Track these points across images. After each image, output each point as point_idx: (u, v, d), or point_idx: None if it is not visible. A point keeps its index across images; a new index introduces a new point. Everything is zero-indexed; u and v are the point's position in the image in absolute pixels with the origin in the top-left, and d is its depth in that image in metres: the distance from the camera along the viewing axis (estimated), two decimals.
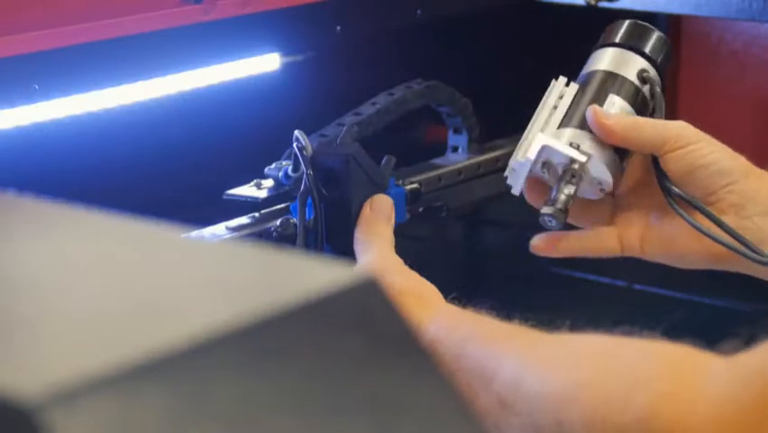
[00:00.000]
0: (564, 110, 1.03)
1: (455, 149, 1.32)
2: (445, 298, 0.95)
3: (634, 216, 1.02)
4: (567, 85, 1.06)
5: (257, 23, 1.21)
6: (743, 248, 0.95)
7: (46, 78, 1.04)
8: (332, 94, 1.10)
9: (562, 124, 1.03)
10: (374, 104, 1.21)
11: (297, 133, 1.05)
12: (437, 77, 1.28)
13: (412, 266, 1.00)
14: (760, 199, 0.96)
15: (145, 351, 0.41)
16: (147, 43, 1.11)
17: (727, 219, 0.96)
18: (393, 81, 1.26)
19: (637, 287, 1.62)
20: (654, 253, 1.02)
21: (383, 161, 1.08)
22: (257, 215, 1.16)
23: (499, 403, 0.76)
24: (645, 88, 1.06)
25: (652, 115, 1.04)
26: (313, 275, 0.48)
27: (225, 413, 0.41)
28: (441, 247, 1.68)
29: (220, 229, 1.15)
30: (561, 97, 1.05)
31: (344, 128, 1.08)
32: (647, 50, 1.08)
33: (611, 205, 1.04)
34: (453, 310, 0.90)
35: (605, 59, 1.08)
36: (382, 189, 1.06)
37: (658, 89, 1.06)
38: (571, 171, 0.99)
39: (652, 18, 1.71)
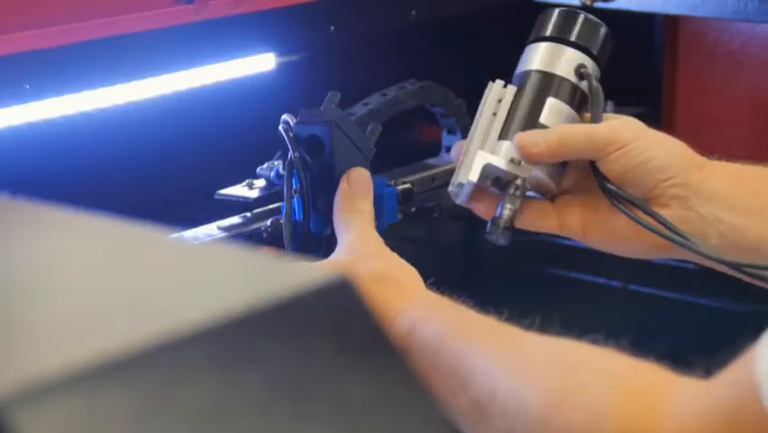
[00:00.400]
0: (503, 118, 1.02)
1: (449, 149, 1.32)
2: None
3: (575, 201, 1.02)
4: (505, 86, 1.03)
5: (249, 23, 1.21)
6: (679, 238, 0.95)
7: (37, 77, 1.04)
8: (326, 94, 1.10)
9: (502, 135, 1.01)
10: (366, 104, 1.22)
11: (285, 116, 1.04)
12: (432, 77, 1.28)
13: None
14: (704, 190, 0.97)
15: (113, 350, 0.41)
16: (138, 43, 1.11)
17: (671, 211, 0.96)
18: (388, 82, 1.26)
19: (633, 287, 1.62)
20: (595, 241, 1.02)
21: (368, 129, 1.07)
22: (249, 214, 1.16)
23: (476, 408, 0.77)
24: (583, 84, 1.03)
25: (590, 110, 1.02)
26: (285, 276, 0.48)
27: (192, 412, 0.41)
28: (434, 248, 1.68)
29: (212, 229, 1.15)
30: (500, 101, 1.03)
31: (327, 96, 1.07)
32: (582, 41, 1.04)
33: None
34: (431, 299, 0.89)
35: (539, 57, 1.04)
36: (367, 156, 1.05)
37: (595, 83, 1.02)
38: (514, 186, 0.99)
39: (649, 19, 1.71)
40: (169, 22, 1.11)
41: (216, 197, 1.17)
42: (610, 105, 1.69)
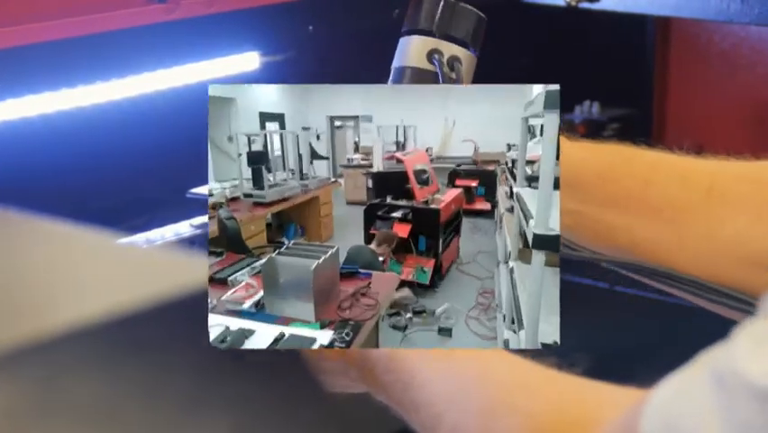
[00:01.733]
0: None
1: None
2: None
3: None
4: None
5: (223, 23, 1.21)
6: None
7: (6, 76, 1.05)
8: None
9: None
10: None
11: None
12: None
13: None
14: None
15: None
16: (111, 42, 1.11)
17: None
18: (373, 82, 1.26)
19: (618, 289, 1.62)
20: None
21: None
22: None
23: (427, 430, 0.77)
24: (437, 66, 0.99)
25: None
26: (183, 275, 0.48)
27: (75, 408, 0.41)
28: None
29: (184, 227, 1.16)
30: None
31: None
32: (434, 26, 1.01)
33: None
34: None
35: (398, 52, 1.02)
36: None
37: (444, 60, 0.98)
38: None
39: (640, 20, 1.71)
40: (143, 21, 1.11)
41: (188, 195, 1.18)
42: (596, 106, 1.69)
